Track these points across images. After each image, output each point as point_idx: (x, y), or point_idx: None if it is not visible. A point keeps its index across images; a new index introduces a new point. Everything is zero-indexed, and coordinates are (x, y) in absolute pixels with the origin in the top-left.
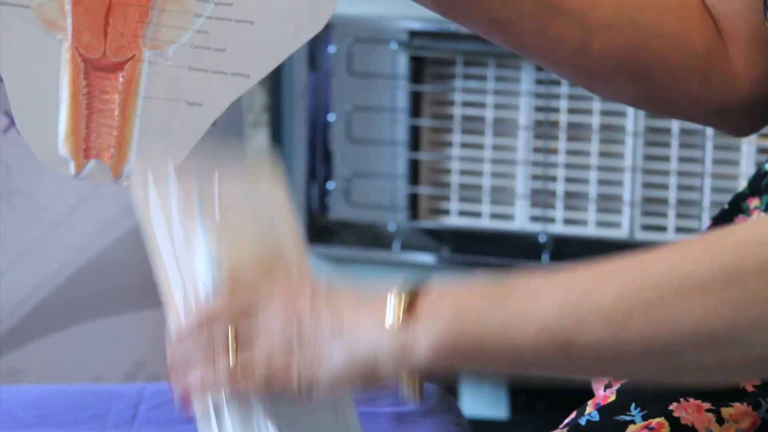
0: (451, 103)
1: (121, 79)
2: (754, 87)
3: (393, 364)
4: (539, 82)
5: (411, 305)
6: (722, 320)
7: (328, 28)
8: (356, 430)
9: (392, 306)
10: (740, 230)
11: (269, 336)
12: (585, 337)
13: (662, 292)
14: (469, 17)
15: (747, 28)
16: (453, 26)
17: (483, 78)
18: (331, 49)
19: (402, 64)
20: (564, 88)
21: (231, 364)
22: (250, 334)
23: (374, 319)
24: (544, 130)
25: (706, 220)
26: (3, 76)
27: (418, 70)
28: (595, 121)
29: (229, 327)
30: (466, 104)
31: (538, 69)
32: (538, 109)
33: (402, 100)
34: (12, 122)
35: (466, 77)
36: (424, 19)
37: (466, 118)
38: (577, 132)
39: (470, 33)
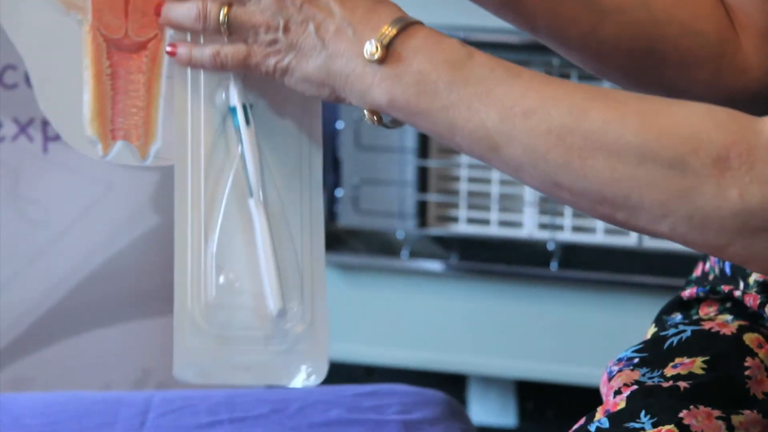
0: (457, 179)
1: (145, 59)
2: (766, 78)
3: (354, 95)
4: None
5: (390, 46)
6: (621, 191)
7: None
8: (317, 149)
9: (373, 44)
10: (673, 115)
11: (261, 15)
12: (511, 149)
13: (586, 145)
14: None
15: (762, 18)
16: (462, 33)
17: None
18: (339, 124)
19: (409, 138)
20: None
21: (221, 17)
22: (243, 8)
23: (356, 43)
24: (549, 206)
25: None
26: (24, 59)
27: (424, 144)
28: None
29: None
30: (471, 180)
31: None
32: None
33: (409, 174)
34: (21, 130)
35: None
36: (437, 26)
37: (471, 194)
38: None
39: (481, 40)
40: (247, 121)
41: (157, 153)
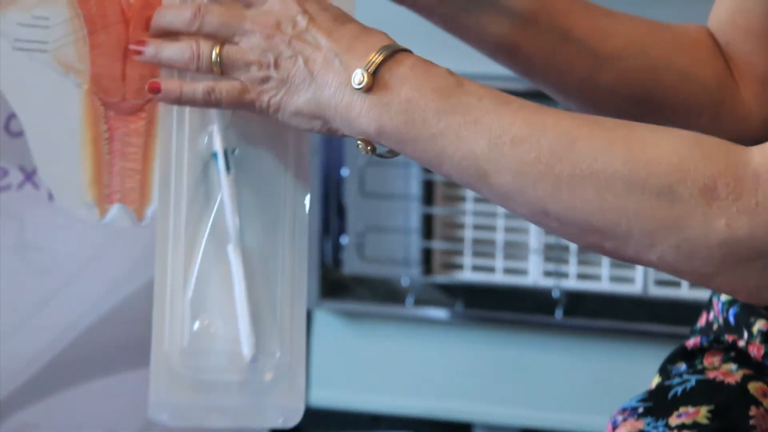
0: (462, 226)
1: (142, 122)
2: (765, 125)
3: (344, 124)
4: None
5: (377, 74)
6: (610, 221)
7: (340, 150)
8: (303, 196)
9: (360, 72)
10: (660, 144)
11: (252, 52)
12: (500, 177)
13: (575, 174)
14: (477, 38)
15: (763, 66)
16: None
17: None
18: (344, 171)
19: (414, 185)
20: None
21: (213, 56)
22: (236, 38)
23: (343, 72)
24: (555, 254)
25: None
26: (22, 122)
27: (429, 192)
28: None
29: (219, 22)
30: (477, 228)
31: None
32: (549, 233)
33: (414, 221)
34: (26, 177)
35: (477, 201)
36: None
37: (476, 242)
38: None
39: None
40: (228, 167)
41: (154, 214)
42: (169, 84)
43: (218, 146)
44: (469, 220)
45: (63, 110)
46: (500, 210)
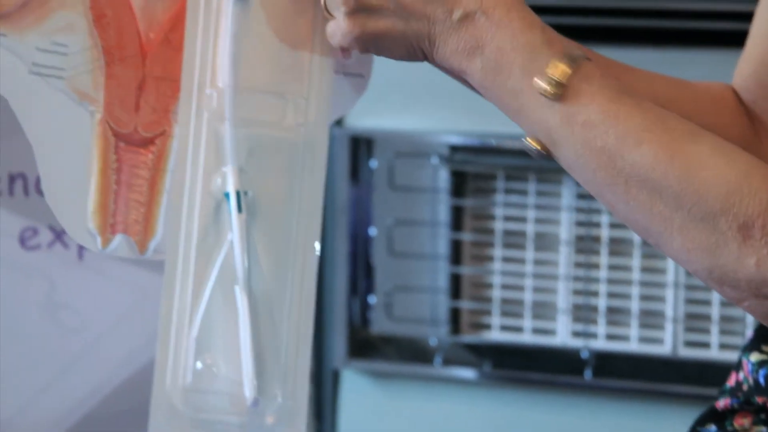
0: (493, 218)
1: (151, 155)
2: None
3: (527, 123)
4: (580, 196)
5: (563, 82)
6: (656, 226)
7: (370, 142)
8: (313, 241)
9: (547, 78)
10: (716, 168)
11: None
12: (565, 151)
13: (633, 174)
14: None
15: None
16: (494, 141)
17: (524, 192)
18: (373, 163)
19: (443, 178)
20: None
21: None
22: None
23: (529, 69)
24: (585, 245)
25: (748, 336)
26: (33, 145)
27: (460, 184)
28: (637, 236)
29: None
30: (507, 219)
31: (579, 184)
32: (580, 224)
33: (443, 214)
34: (56, 237)
35: (508, 192)
36: (465, 133)
37: (507, 233)
38: (618, 247)
39: (512, 147)
40: (240, 209)
41: (156, 248)
42: None
43: (231, 187)
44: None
45: (74, 137)
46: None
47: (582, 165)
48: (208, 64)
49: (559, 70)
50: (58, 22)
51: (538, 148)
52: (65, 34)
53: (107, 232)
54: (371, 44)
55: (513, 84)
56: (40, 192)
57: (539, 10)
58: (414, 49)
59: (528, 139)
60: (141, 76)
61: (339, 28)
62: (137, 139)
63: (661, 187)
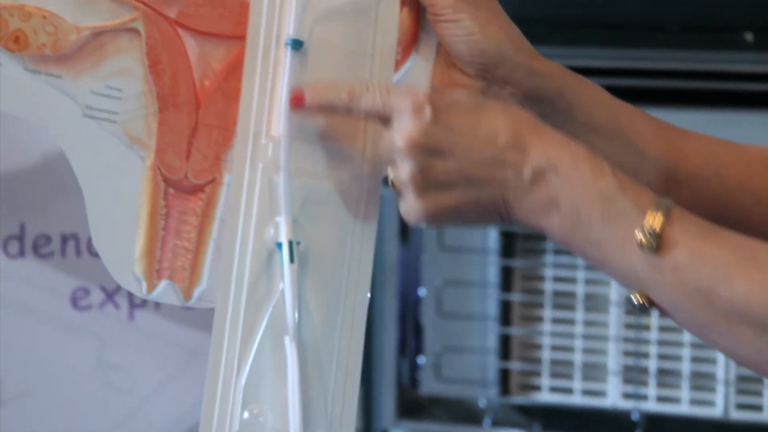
0: (542, 278)
1: (200, 202)
2: None
3: (626, 280)
4: None
5: (660, 233)
6: (764, 358)
7: None
8: (364, 293)
9: (644, 231)
10: None
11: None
12: (659, 296)
13: (732, 312)
14: None
15: None
16: None
17: (573, 253)
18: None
19: (492, 238)
20: None
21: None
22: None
23: (608, 219)
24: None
25: None
26: (82, 187)
27: (509, 244)
28: None
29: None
30: (557, 279)
31: None
32: None
33: (493, 274)
34: (107, 297)
35: (557, 252)
36: None
37: (557, 294)
38: None
39: None
40: (291, 259)
41: (201, 295)
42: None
43: (284, 237)
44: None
45: (124, 181)
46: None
47: (679, 308)
48: (264, 114)
49: (656, 221)
50: (113, 67)
51: (644, 302)
52: (120, 79)
53: (153, 277)
54: (446, 218)
55: (594, 236)
56: (92, 252)
57: (590, 72)
58: (490, 214)
59: (634, 295)
60: (194, 123)
61: (412, 208)
62: (187, 186)
63: (763, 320)
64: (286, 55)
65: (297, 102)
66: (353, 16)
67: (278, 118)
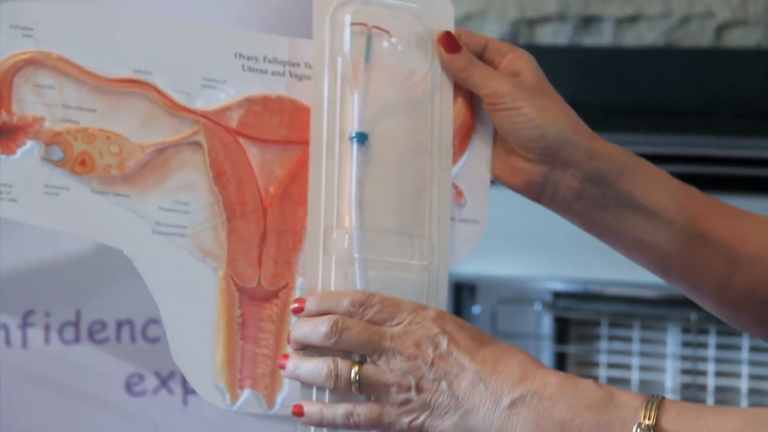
0: (596, 365)
1: (276, 308)
2: None
3: None
4: (685, 344)
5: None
6: None
7: (473, 287)
8: None
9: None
10: None
11: (392, 374)
12: None
13: None
14: (614, 236)
15: None
16: (597, 287)
17: (628, 339)
18: (476, 309)
19: (546, 324)
20: (711, 351)
21: (352, 376)
22: (375, 356)
23: (490, 398)
24: (691, 393)
25: None
26: (158, 303)
27: (563, 330)
28: (744, 385)
29: (358, 340)
30: (611, 366)
31: (684, 331)
32: (685, 372)
33: (547, 360)
34: (162, 383)
35: (611, 338)
36: (569, 280)
37: (611, 380)
38: (725, 396)
39: (615, 294)
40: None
41: (284, 401)
42: (311, 408)
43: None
44: (603, 358)
45: (199, 294)
46: (635, 348)
47: None
48: (333, 207)
49: (650, 415)
50: (179, 181)
51: None
52: (187, 193)
53: (235, 387)
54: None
55: None
56: (146, 338)
57: (660, 159)
58: None
59: None
60: (262, 230)
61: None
62: (261, 293)
63: None
64: (352, 149)
65: (297, 308)
66: (411, 109)
67: (349, 211)
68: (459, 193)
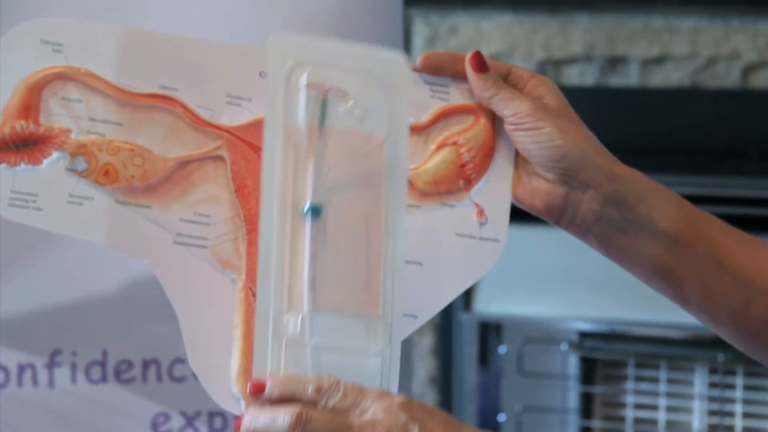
0: (623, 405)
1: None
2: None
3: None
4: (713, 385)
5: None
6: None
7: (498, 328)
8: None
9: None
10: None
11: None
12: None
13: None
14: (632, 261)
15: None
16: (624, 327)
17: (655, 380)
18: (502, 349)
19: (572, 364)
20: (739, 392)
21: None
22: None
23: None
24: None
25: None
26: (177, 312)
27: (589, 370)
28: None
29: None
30: (638, 406)
31: (712, 372)
32: (712, 413)
33: (573, 401)
34: (187, 422)
35: (638, 379)
36: (595, 320)
37: (638, 421)
38: None
39: (642, 334)
40: None
41: None
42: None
43: None
44: (630, 399)
45: (217, 304)
46: (662, 389)
47: None
48: (284, 289)
49: None
50: (201, 194)
51: None
52: (208, 205)
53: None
54: None
55: None
56: (173, 377)
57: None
58: None
59: None
60: None
61: None
62: None
63: None
64: (305, 223)
65: (256, 390)
66: (366, 180)
67: (302, 291)
68: (480, 212)
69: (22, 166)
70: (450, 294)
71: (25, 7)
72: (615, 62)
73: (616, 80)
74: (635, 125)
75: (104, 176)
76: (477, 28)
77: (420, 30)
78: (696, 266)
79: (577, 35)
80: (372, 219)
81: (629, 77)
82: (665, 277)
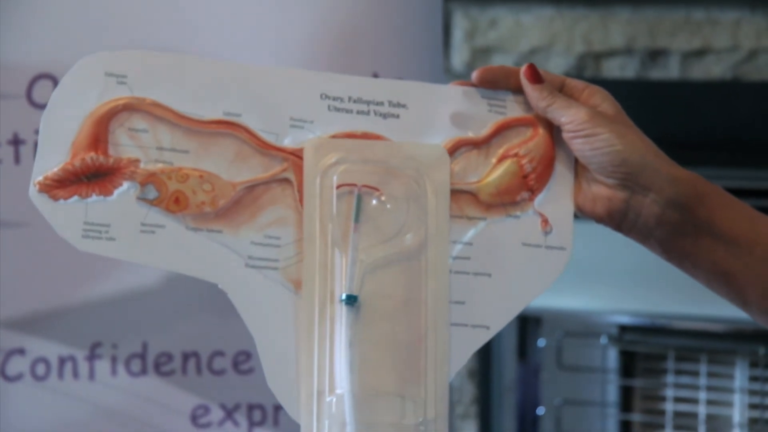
0: (663, 399)
1: None
2: None
3: None
4: (753, 378)
5: None
6: None
7: (538, 321)
8: None
9: None
10: None
11: None
12: None
13: None
14: (693, 264)
15: None
16: (664, 321)
17: (695, 374)
18: (541, 342)
19: (612, 358)
20: None
21: None
22: None
23: None
24: (759, 428)
25: None
26: (254, 335)
27: (629, 364)
28: None
29: None
30: (677, 400)
31: (752, 365)
32: (753, 407)
33: (612, 394)
34: (227, 415)
35: (678, 372)
36: (635, 313)
37: (677, 414)
38: None
39: (682, 328)
40: None
41: None
42: None
43: None
44: (669, 392)
45: (291, 324)
46: (702, 382)
47: None
48: (325, 372)
49: None
50: (270, 217)
51: None
52: (278, 227)
53: None
54: None
55: None
56: (212, 370)
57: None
58: None
59: None
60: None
61: None
62: None
63: None
64: (341, 312)
65: None
66: (402, 264)
67: (341, 375)
68: (545, 221)
69: (94, 197)
70: (520, 303)
71: (25, 7)
72: (656, 55)
73: (657, 73)
74: (676, 119)
75: (175, 203)
76: (517, 22)
77: (460, 23)
78: (756, 270)
79: (617, 28)
80: (411, 297)
81: (670, 70)
82: (726, 280)
